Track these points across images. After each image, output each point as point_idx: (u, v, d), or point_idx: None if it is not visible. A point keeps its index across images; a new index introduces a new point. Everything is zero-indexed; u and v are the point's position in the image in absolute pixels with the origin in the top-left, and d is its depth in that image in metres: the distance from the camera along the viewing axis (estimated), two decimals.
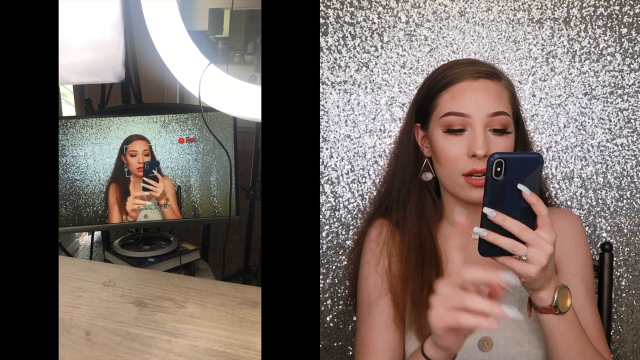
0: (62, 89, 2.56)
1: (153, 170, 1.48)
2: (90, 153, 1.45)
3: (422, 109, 0.89)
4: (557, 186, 1.19)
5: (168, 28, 1.16)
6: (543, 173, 1.07)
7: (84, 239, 2.70)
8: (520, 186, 0.70)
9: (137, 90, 1.75)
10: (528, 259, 0.70)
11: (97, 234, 2.06)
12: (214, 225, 1.83)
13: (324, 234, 1.18)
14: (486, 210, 0.70)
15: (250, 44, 1.44)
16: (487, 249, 0.71)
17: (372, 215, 0.98)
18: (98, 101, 1.77)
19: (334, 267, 1.19)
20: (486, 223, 0.71)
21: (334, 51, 1.18)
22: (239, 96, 1.17)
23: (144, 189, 1.49)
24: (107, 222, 1.50)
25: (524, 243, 0.70)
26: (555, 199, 1.15)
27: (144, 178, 1.48)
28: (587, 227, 1.18)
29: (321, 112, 1.17)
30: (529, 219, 0.71)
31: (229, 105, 1.18)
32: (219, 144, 1.47)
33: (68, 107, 2.78)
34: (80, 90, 2.19)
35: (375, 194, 1.09)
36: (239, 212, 1.55)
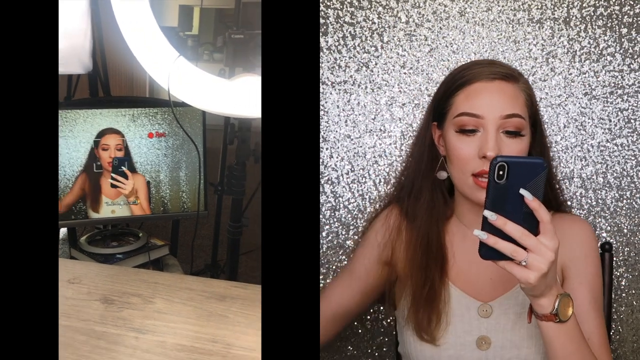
0: None
1: (122, 167, 1.44)
2: None
3: (439, 108, 0.89)
4: (557, 186, 1.19)
5: (138, 19, 1.13)
6: (559, 175, 1.06)
7: None
8: (522, 191, 0.69)
9: (105, 82, 1.70)
10: (528, 264, 0.70)
11: (63, 230, 2.04)
12: (182, 221, 1.83)
13: (324, 234, 1.18)
14: (486, 213, 0.70)
15: (219, 37, 1.42)
16: (488, 252, 0.71)
17: (388, 201, 1.02)
18: (65, 93, 1.72)
19: (334, 267, 1.19)
20: (487, 226, 0.70)
21: (334, 51, 1.18)
22: (208, 90, 1.16)
23: (112, 186, 1.45)
24: (71, 219, 1.46)
25: (525, 248, 0.70)
26: (568, 204, 1.14)
27: (112, 174, 1.44)
28: None
29: (321, 112, 1.17)
30: (532, 224, 0.70)
31: (199, 99, 1.17)
32: (189, 139, 1.45)
33: None
34: None
35: (392, 182, 1.12)
36: (207, 208, 1.55)
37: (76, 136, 1.41)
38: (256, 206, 1.81)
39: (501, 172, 0.69)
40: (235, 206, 1.54)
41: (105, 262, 1.49)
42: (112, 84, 1.76)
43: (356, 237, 1.17)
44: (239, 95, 1.21)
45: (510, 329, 0.86)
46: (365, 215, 1.17)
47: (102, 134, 1.43)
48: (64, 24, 1.28)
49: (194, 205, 1.52)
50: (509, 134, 0.83)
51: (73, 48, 1.30)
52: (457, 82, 0.86)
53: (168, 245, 1.63)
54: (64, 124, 1.40)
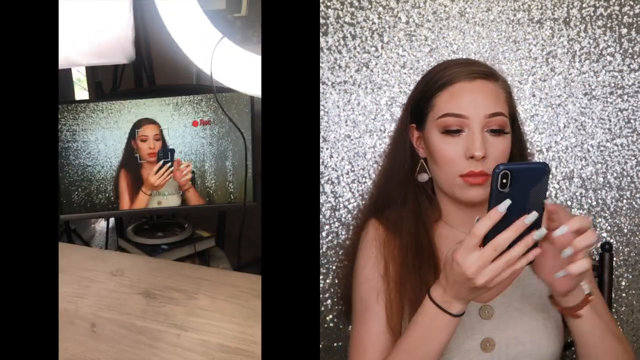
0: (76, 74, 2.50)
1: (169, 157, 1.43)
2: (102, 138, 1.40)
3: (418, 109, 0.88)
4: (557, 186, 1.19)
5: (179, 4, 1.09)
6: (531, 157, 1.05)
7: (100, 225, 2.64)
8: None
9: (150, 72, 1.68)
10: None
11: (111, 220, 2.02)
12: (229, 212, 1.74)
13: (324, 234, 1.18)
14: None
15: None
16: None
17: (366, 214, 0.96)
18: (110, 84, 1.71)
19: (333, 267, 1.20)
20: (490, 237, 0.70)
21: (334, 51, 1.18)
22: (256, 73, 1.05)
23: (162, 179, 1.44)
24: (118, 209, 1.47)
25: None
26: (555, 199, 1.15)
27: (159, 167, 1.43)
28: None
29: (321, 112, 1.17)
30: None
31: (246, 84, 1.08)
32: (235, 126, 1.38)
33: (82, 92, 2.72)
34: (92, 74, 2.13)
35: (369, 193, 1.07)
36: (255, 198, 1.48)
37: (121, 127, 1.41)
38: None
39: (504, 181, 0.68)
40: None
41: (151, 252, 1.46)
42: (156, 73, 1.72)
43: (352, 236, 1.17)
44: None
45: (513, 326, 0.86)
46: (359, 214, 1.17)
47: (139, 124, 1.41)
48: (106, 13, 1.25)
49: (241, 195, 1.47)
50: (494, 133, 0.82)
51: (116, 38, 1.25)
52: (437, 82, 0.85)
53: (214, 237, 1.59)
54: (108, 115, 1.40)
